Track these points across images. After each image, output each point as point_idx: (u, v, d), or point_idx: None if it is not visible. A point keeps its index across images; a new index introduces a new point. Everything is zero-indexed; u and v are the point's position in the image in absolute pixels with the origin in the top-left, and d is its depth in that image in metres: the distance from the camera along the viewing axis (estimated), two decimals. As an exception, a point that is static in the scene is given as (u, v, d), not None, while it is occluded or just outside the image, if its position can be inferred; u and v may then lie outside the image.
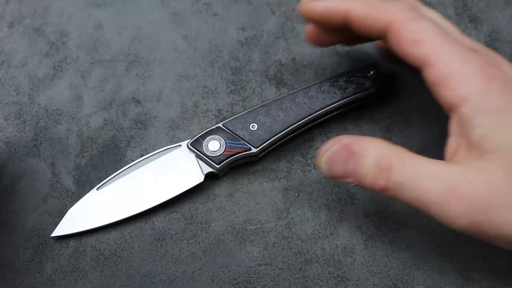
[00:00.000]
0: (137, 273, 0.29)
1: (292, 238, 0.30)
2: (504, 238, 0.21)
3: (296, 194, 0.31)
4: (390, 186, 0.22)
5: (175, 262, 0.29)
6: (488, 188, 0.21)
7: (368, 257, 0.29)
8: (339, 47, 0.35)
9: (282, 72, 0.35)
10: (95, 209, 0.30)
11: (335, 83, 0.31)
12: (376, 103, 0.33)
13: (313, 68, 0.35)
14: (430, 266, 0.29)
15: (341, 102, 0.31)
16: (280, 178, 0.31)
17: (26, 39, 0.37)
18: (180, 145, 0.31)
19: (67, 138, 0.33)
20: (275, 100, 0.31)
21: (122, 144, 0.33)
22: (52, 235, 0.30)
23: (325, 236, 0.30)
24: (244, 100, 0.34)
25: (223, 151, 0.30)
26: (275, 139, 0.30)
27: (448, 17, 0.36)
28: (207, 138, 0.30)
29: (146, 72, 0.35)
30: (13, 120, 0.34)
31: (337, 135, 0.32)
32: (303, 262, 0.29)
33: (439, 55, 0.23)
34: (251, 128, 0.30)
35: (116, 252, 0.30)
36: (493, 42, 0.35)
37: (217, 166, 0.30)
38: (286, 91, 0.34)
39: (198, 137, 0.31)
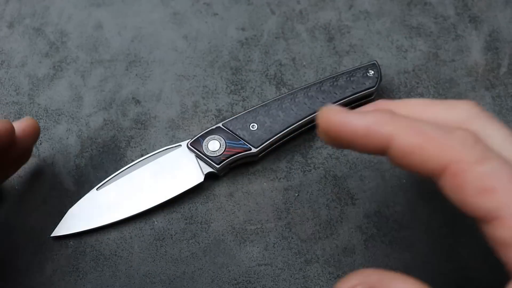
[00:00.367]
0: (137, 273, 0.29)
1: (292, 238, 0.30)
2: None
3: (296, 194, 0.31)
4: None
5: (175, 262, 0.29)
6: None
7: (368, 257, 0.29)
8: (339, 47, 0.35)
9: (282, 72, 0.35)
10: (95, 209, 0.30)
11: (335, 83, 0.31)
12: (376, 103, 0.33)
13: (313, 68, 0.35)
14: (430, 266, 0.28)
15: (341, 102, 0.31)
16: (280, 178, 0.31)
17: (26, 39, 0.37)
18: (180, 145, 0.31)
19: (67, 138, 0.33)
20: (275, 100, 0.31)
21: (122, 144, 0.33)
22: (52, 235, 0.30)
23: (325, 236, 0.30)
24: (244, 100, 0.34)
25: (223, 151, 0.30)
26: (275, 139, 0.30)
27: (448, 17, 0.36)
28: (207, 138, 0.30)
29: (146, 72, 0.35)
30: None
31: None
32: (303, 262, 0.29)
33: None
34: (251, 128, 0.30)
35: (116, 252, 0.30)
36: (493, 42, 0.35)
37: (217, 166, 0.30)
38: (286, 91, 0.34)
39: (198, 137, 0.31)
